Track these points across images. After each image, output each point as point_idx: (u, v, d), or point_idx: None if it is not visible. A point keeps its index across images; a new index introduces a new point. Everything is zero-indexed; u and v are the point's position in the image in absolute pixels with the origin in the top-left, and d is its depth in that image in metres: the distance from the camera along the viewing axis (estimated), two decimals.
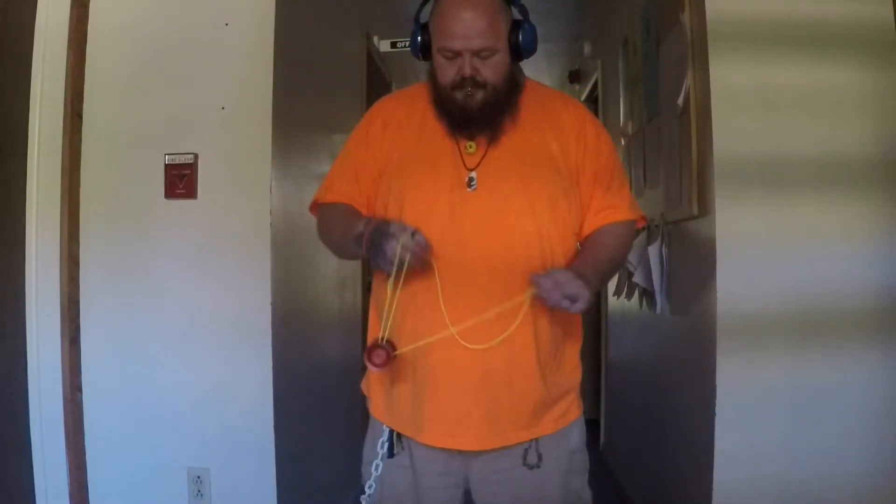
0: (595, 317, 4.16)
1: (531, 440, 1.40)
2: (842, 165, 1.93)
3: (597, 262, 1.39)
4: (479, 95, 1.35)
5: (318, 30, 2.71)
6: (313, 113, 2.63)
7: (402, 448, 1.42)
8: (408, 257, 1.25)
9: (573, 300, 1.26)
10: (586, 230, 1.46)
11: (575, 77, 4.72)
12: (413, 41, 1.43)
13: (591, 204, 1.44)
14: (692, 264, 2.20)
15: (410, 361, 1.38)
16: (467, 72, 1.33)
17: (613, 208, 1.45)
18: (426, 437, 1.38)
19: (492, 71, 1.35)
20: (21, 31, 2.13)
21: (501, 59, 1.36)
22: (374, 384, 1.48)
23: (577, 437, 1.47)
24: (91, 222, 2.16)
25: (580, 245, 1.46)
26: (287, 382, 2.20)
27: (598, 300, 4.11)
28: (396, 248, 1.24)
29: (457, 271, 1.34)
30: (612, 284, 3.40)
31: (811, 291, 1.92)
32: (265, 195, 2.11)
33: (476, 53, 1.33)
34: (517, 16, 1.40)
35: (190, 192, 2.12)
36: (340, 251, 1.53)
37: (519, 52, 1.39)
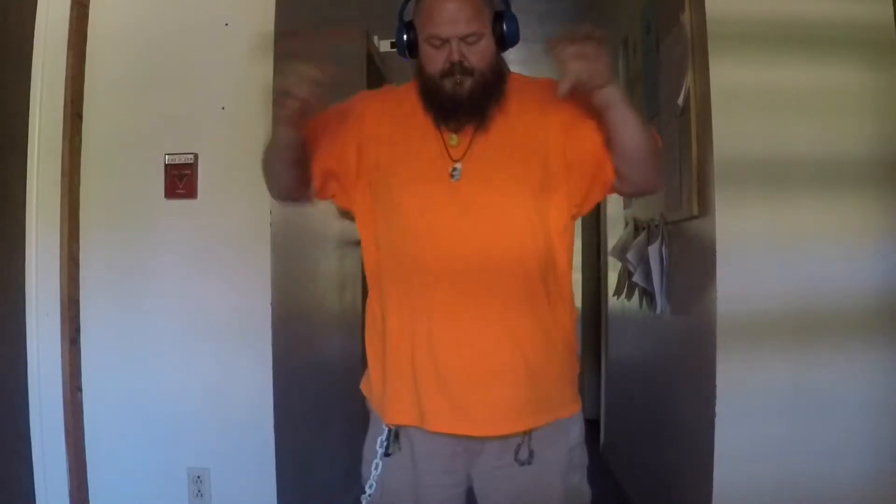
0: (595, 317, 4.16)
1: (524, 436, 1.40)
2: (842, 165, 1.93)
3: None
4: (468, 83, 1.36)
5: (318, 30, 2.71)
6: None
7: (400, 448, 1.42)
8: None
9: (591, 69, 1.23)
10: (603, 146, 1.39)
11: None
12: (398, 38, 1.44)
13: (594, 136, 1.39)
14: (692, 264, 2.20)
15: (409, 354, 1.38)
16: (455, 57, 1.35)
17: None
18: (433, 425, 1.38)
19: (478, 57, 1.36)
20: (21, 31, 2.12)
21: (487, 45, 1.37)
22: (375, 381, 1.48)
23: (577, 432, 1.47)
24: (91, 222, 2.16)
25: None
26: (287, 382, 2.20)
27: (598, 300, 4.11)
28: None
29: (444, 263, 1.35)
30: (612, 284, 3.40)
31: (811, 291, 1.92)
32: (265, 195, 2.07)
33: (463, 39, 1.35)
34: (500, 8, 1.41)
35: (190, 192, 2.12)
36: (274, 165, 1.46)
37: (503, 42, 1.40)
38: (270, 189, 1.53)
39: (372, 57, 3.64)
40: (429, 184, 1.38)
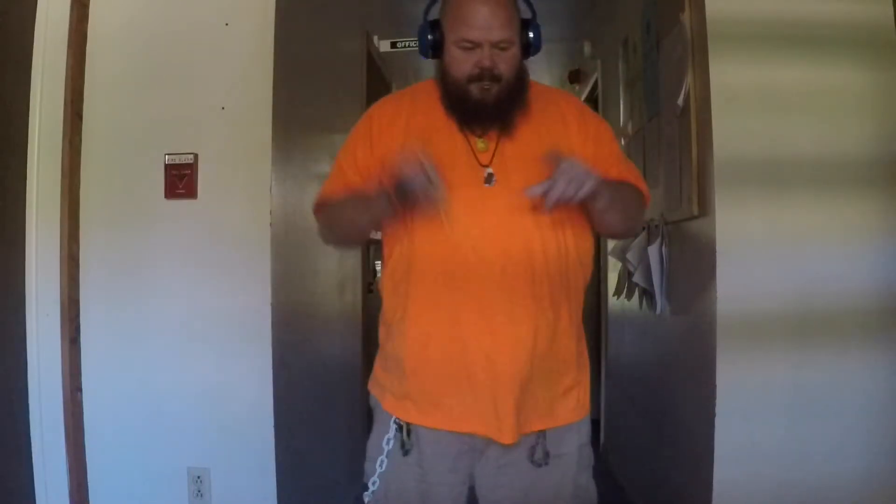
0: (595, 317, 4.16)
1: (538, 437, 1.40)
2: (842, 165, 1.93)
3: (610, 182, 1.41)
4: (495, 89, 1.36)
5: (318, 30, 2.71)
6: (313, 113, 2.63)
7: (412, 445, 1.42)
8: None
9: (579, 184, 1.29)
10: None
11: (575, 77, 4.72)
12: (421, 38, 1.42)
13: None
14: (692, 264, 2.20)
15: (437, 356, 1.38)
16: (486, 63, 1.34)
17: (625, 178, 1.51)
18: (459, 425, 1.38)
19: (507, 65, 1.36)
20: (21, 31, 2.12)
21: (516, 53, 1.38)
22: (392, 382, 1.47)
23: (585, 431, 1.48)
24: (91, 222, 2.16)
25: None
26: (287, 382, 2.20)
27: (598, 300, 4.11)
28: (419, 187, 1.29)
29: (477, 267, 1.35)
30: (612, 284, 3.40)
31: (811, 291, 1.92)
32: (265, 195, 2.11)
33: (495, 45, 1.34)
34: (525, 14, 1.42)
35: (190, 192, 2.12)
36: (349, 229, 1.53)
37: (527, 49, 1.41)
38: (328, 242, 1.60)
39: (372, 57, 3.64)
40: (464, 189, 1.37)
